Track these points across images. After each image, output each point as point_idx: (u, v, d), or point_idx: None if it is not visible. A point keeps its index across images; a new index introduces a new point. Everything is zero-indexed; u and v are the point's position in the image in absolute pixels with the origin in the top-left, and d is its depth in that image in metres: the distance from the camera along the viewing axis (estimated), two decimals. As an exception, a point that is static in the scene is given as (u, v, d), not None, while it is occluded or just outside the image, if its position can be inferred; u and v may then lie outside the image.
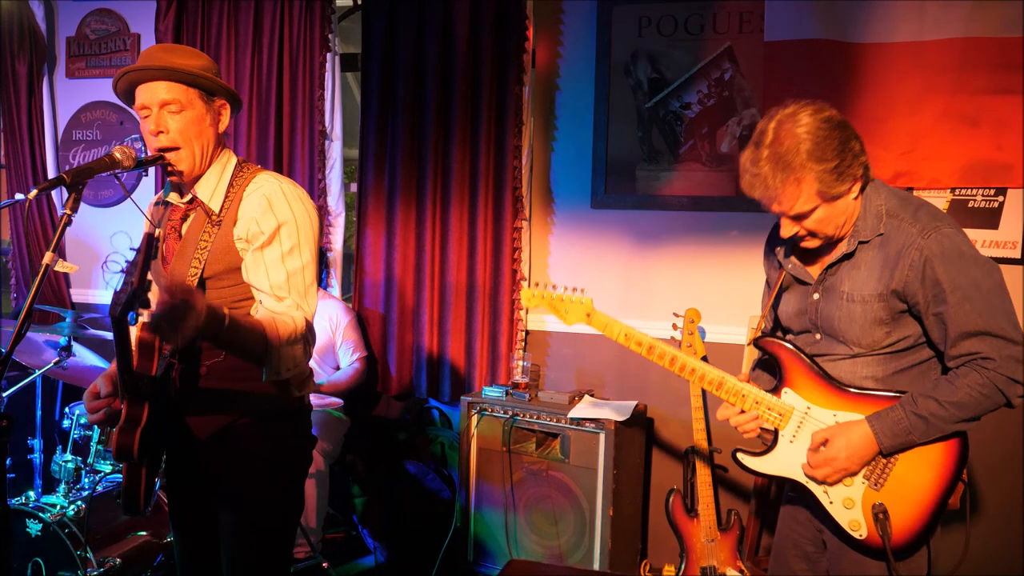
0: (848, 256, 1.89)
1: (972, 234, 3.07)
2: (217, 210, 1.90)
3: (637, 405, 3.33)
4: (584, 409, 3.27)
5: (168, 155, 1.87)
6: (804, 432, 1.92)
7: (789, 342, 1.97)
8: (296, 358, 1.86)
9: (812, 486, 1.93)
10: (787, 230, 1.87)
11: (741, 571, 3.06)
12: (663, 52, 3.45)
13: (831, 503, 1.91)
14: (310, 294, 1.90)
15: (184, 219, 1.95)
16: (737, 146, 3.35)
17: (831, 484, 1.89)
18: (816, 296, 1.95)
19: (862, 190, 1.87)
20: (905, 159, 3.07)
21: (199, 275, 1.87)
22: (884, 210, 1.86)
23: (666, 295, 3.49)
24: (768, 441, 1.99)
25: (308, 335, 1.90)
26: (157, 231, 1.66)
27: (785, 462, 1.95)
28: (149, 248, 1.59)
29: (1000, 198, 3.04)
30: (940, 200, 3.10)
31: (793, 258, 2.02)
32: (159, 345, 1.80)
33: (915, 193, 3.10)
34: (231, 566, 1.98)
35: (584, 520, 3.21)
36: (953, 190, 3.09)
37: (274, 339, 1.78)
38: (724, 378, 1.99)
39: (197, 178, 1.93)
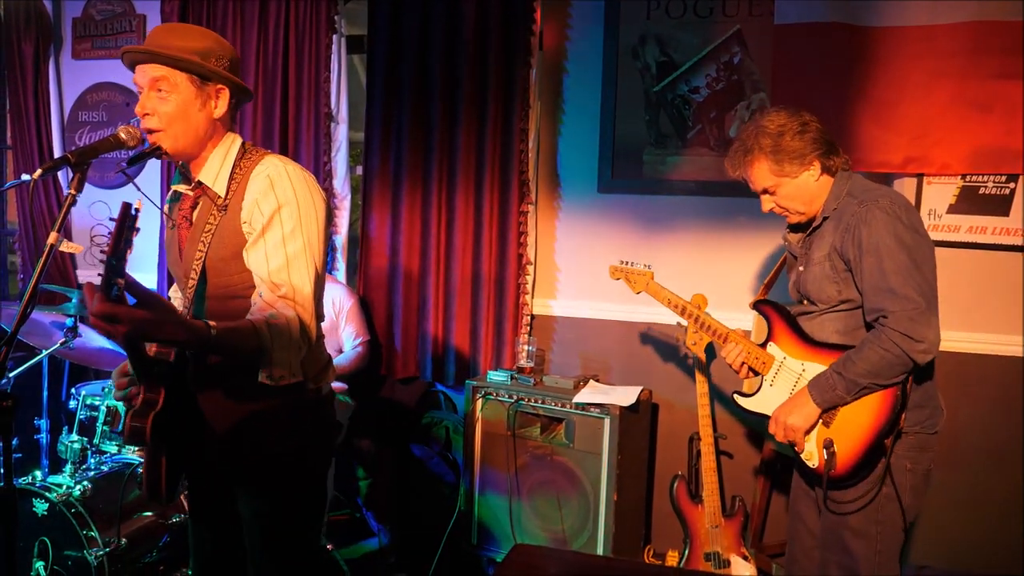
0: (816, 228, 2.27)
1: (982, 221, 3.06)
2: (222, 194, 1.86)
3: (642, 391, 3.32)
4: (589, 394, 3.26)
5: (152, 136, 1.84)
6: (780, 378, 2.31)
7: (776, 304, 2.36)
8: (291, 363, 1.77)
9: None
10: (765, 205, 2.33)
11: (745, 557, 3.06)
12: (672, 35, 3.42)
13: None
14: (310, 282, 1.82)
15: (194, 206, 1.93)
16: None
17: (788, 441, 2.23)
18: (801, 268, 2.31)
19: (828, 173, 2.24)
20: (915, 144, 3.03)
21: (203, 261, 1.84)
22: (846, 191, 2.22)
23: (673, 280, 3.44)
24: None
25: (305, 335, 1.79)
26: (138, 202, 1.60)
27: (765, 402, 2.34)
28: (124, 219, 1.50)
29: (1012, 185, 3.02)
30: (950, 187, 3.08)
31: (788, 233, 2.42)
32: None
33: (926, 180, 3.11)
34: (256, 559, 1.97)
35: (588, 505, 3.21)
36: (964, 176, 3.06)
37: (266, 343, 1.72)
38: (729, 333, 2.48)
39: (201, 164, 1.89)
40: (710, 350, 3.15)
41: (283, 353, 1.75)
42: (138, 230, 1.55)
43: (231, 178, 1.87)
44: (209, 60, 1.84)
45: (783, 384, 2.30)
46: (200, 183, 1.90)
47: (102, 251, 1.47)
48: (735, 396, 2.42)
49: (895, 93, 3.03)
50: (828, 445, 2.15)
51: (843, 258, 2.16)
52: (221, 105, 1.88)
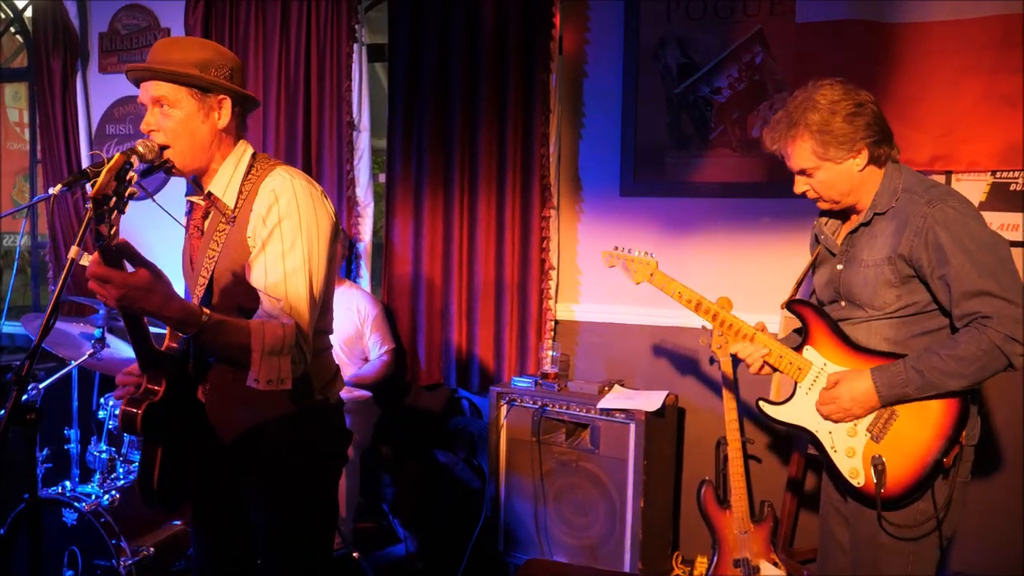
0: (865, 225, 2.06)
1: (1013, 218, 2.99)
2: (232, 205, 1.86)
3: (668, 395, 3.29)
4: (614, 399, 3.23)
5: (164, 152, 1.84)
6: (819, 386, 2.09)
7: (813, 305, 2.16)
8: (280, 369, 1.72)
9: (822, 435, 2.08)
10: (798, 186, 2.11)
11: (775, 563, 3.02)
12: (692, 36, 3.39)
13: (835, 451, 2.06)
14: (307, 297, 1.79)
15: (205, 216, 1.93)
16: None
17: (835, 422, 2.04)
18: (840, 267, 2.12)
19: (875, 164, 2.03)
20: (943, 141, 2.98)
21: (211, 271, 1.85)
22: (901, 187, 2.02)
23: (696, 283, 3.39)
24: (787, 391, 2.18)
25: (299, 345, 1.76)
26: (133, 157, 1.62)
27: (800, 411, 2.12)
28: (118, 169, 1.50)
29: (1043, 181, 2.95)
30: (980, 184, 3.01)
31: (823, 221, 2.22)
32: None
33: (954, 177, 3.05)
34: (267, 568, 1.97)
35: (615, 511, 3.19)
36: (994, 173, 3.00)
37: (257, 345, 1.70)
38: (756, 334, 2.22)
39: (211, 175, 1.90)
40: (736, 353, 3.11)
41: (273, 358, 1.71)
42: (133, 195, 1.55)
43: (240, 190, 1.87)
44: (208, 71, 1.83)
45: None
46: (210, 194, 1.90)
47: (87, 199, 1.48)
48: (760, 404, 2.18)
49: (920, 90, 2.98)
50: (877, 463, 1.96)
51: (911, 264, 1.95)
52: (224, 115, 1.87)
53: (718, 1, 3.34)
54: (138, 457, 3.14)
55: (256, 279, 1.80)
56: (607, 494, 3.20)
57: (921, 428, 1.96)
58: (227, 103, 1.87)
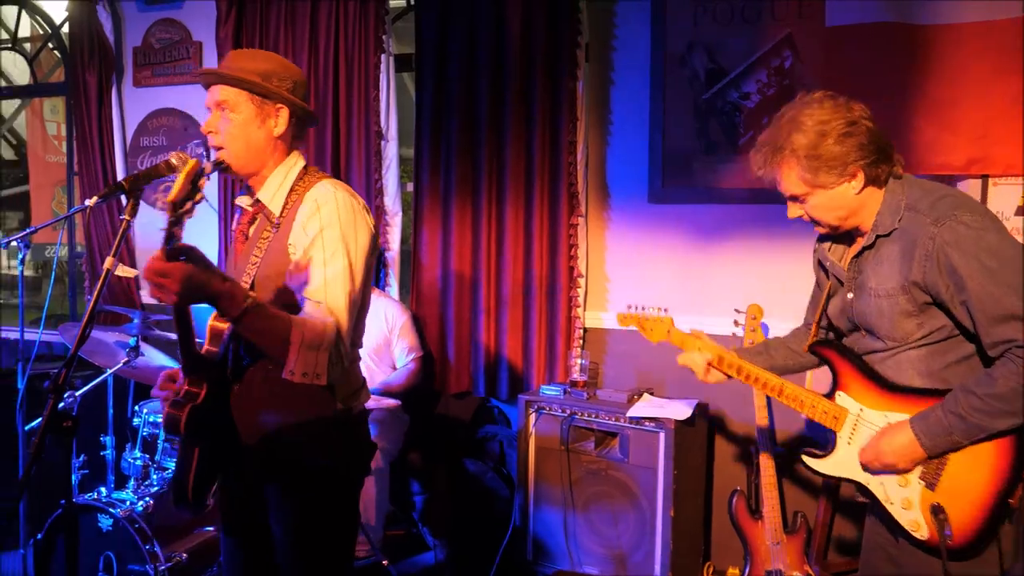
0: (869, 248, 1.91)
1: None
2: (277, 213, 1.93)
3: (698, 404, 3.27)
4: (643, 408, 3.21)
5: (217, 153, 1.94)
6: (859, 434, 1.94)
7: (838, 345, 2.00)
8: (317, 364, 1.78)
9: (873, 487, 1.93)
10: (791, 212, 1.97)
11: (808, 575, 2.97)
12: (720, 41, 3.37)
13: (891, 504, 1.90)
14: (347, 304, 1.84)
15: (251, 221, 2.01)
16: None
17: (882, 475, 1.89)
18: (850, 295, 1.97)
19: (873, 184, 1.87)
20: (977, 145, 2.93)
21: (253, 276, 1.90)
22: (904, 204, 1.85)
23: (727, 290, 3.41)
24: (828, 447, 2.02)
25: (338, 346, 1.81)
26: (207, 164, 1.77)
27: (845, 463, 1.96)
28: (193, 175, 1.64)
29: (1083, 184, 2.89)
30: (1016, 188, 2.96)
31: (823, 246, 2.09)
32: (226, 333, 1.88)
33: (991, 181, 2.99)
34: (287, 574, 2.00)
35: (645, 521, 3.16)
36: (1030, 176, 2.94)
37: (296, 336, 1.76)
38: (784, 384, 2.05)
39: (261, 181, 1.96)
40: (767, 361, 3.08)
41: (311, 352, 1.77)
42: (201, 199, 1.67)
43: (287, 199, 1.93)
44: (270, 81, 1.92)
45: (864, 441, 1.93)
46: (259, 200, 1.96)
47: (163, 203, 1.61)
48: (804, 458, 2.04)
49: (954, 92, 2.93)
50: (938, 511, 1.81)
51: (928, 291, 1.80)
52: (280, 124, 1.94)
53: (745, 5, 3.32)
54: (172, 463, 3.18)
55: (296, 284, 1.86)
56: (637, 503, 3.18)
57: (977, 469, 1.80)
58: (284, 112, 1.94)
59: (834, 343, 2.02)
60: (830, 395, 1.99)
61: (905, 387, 1.88)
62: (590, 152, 3.66)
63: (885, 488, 1.90)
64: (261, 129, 1.92)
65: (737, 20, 3.34)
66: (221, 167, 1.93)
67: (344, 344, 1.83)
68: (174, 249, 1.65)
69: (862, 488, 1.96)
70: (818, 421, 1.98)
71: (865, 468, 1.91)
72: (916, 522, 1.85)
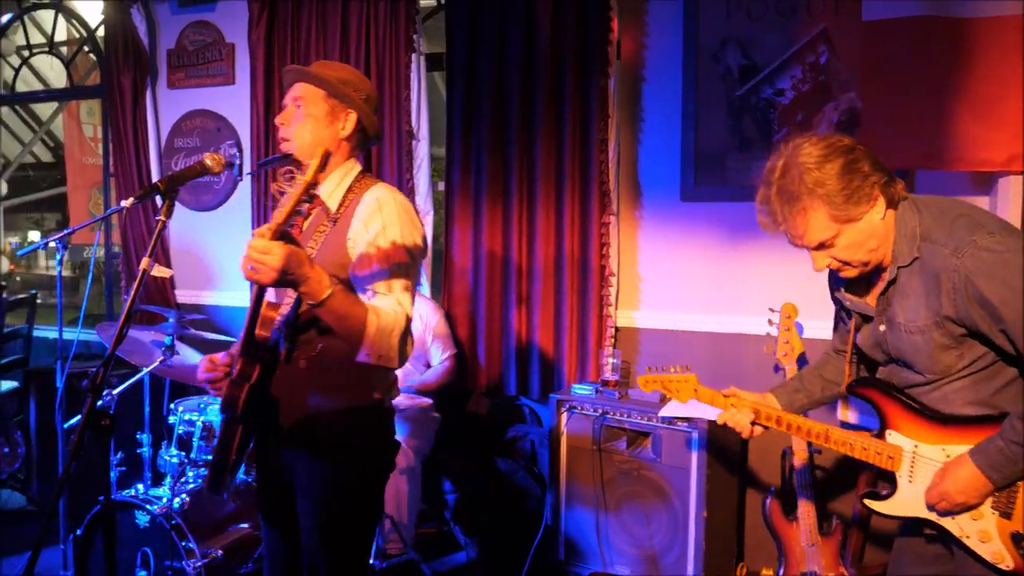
0: (892, 283, 1.85)
1: (1098, 219, 2.86)
2: (334, 209, 2.04)
3: (731, 403, 3.23)
4: (676, 407, 3.15)
5: (282, 145, 2.08)
6: (919, 471, 1.89)
7: (879, 383, 1.95)
8: (390, 347, 1.91)
9: (947, 523, 1.87)
10: (819, 263, 1.86)
11: (844, 576, 2.93)
12: (753, 37, 3.33)
13: (968, 538, 1.84)
14: (409, 296, 1.99)
15: (306, 216, 2.08)
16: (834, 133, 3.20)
17: (953, 515, 1.84)
18: (883, 328, 1.91)
19: (891, 206, 1.81)
20: (1018, 140, 2.86)
21: None
22: (919, 232, 1.80)
23: (761, 290, 3.37)
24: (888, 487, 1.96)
25: (407, 332, 1.96)
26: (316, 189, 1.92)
27: (910, 503, 1.91)
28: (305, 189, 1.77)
29: None
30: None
31: (843, 290, 2.00)
32: (278, 319, 1.98)
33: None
34: (308, 560, 2.08)
35: (677, 521, 3.14)
36: (1074, 172, 2.87)
37: (372, 321, 1.87)
38: (829, 430, 1.98)
39: (321, 179, 2.04)
40: (802, 360, 3.04)
41: (384, 337, 1.89)
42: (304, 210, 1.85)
43: (344, 197, 2.05)
44: (347, 87, 2.06)
45: (925, 478, 1.87)
46: (316, 195, 2.04)
47: (282, 192, 1.82)
48: (866, 502, 1.99)
49: (994, 87, 2.86)
50: (1020, 539, 1.77)
51: (963, 324, 1.75)
52: (347, 127, 2.07)
53: (780, 0, 3.27)
54: (207, 458, 3.22)
55: (361, 276, 1.96)
56: (669, 503, 3.16)
57: None
58: (352, 117, 2.08)
59: (873, 381, 1.97)
60: (879, 435, 1.93)
61: (957, 416, 1.83)
62: (621, 150, 3.64)
63: (959, 524, 1.85)
64: (329, 128, 2.05)
65: (771, 15, 3.29)
66: (285, 158, 2.05)
67: (410, 329, 1.97)
68: (286, 233, 1.76)
69: (936, 527, 1.90)
70: (872, 463, 1.92)
71: (932, 509, 1.86)
72: (999, 553, 1.80)
